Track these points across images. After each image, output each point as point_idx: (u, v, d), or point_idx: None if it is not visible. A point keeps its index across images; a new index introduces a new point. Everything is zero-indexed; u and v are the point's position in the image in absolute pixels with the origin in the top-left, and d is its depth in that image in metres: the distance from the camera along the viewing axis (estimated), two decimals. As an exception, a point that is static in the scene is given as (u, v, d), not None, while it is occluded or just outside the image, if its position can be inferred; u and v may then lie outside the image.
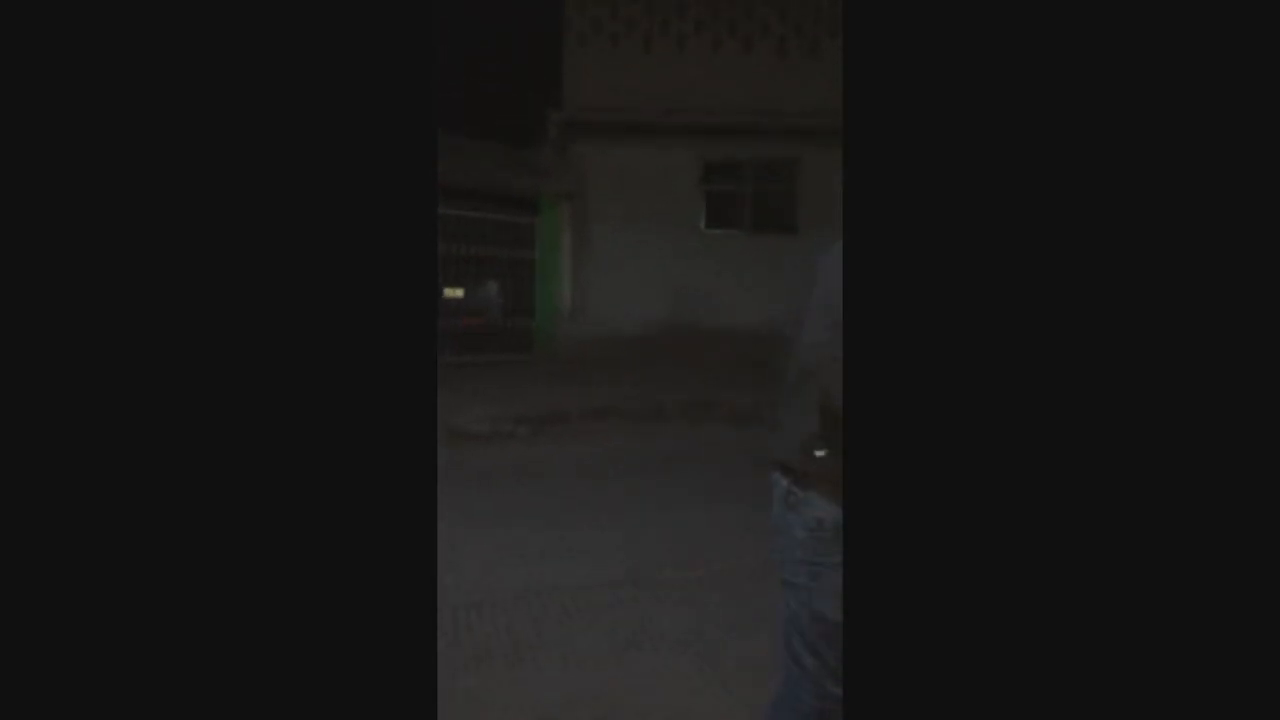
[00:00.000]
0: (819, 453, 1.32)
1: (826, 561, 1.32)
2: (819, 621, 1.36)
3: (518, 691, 2.36)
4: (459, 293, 10.11)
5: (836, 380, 1.22)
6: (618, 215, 10.25)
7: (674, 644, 2.69)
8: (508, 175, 10.07)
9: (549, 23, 10.55)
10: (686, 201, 10.48)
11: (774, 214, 10.53)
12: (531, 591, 3.10)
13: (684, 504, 4.37)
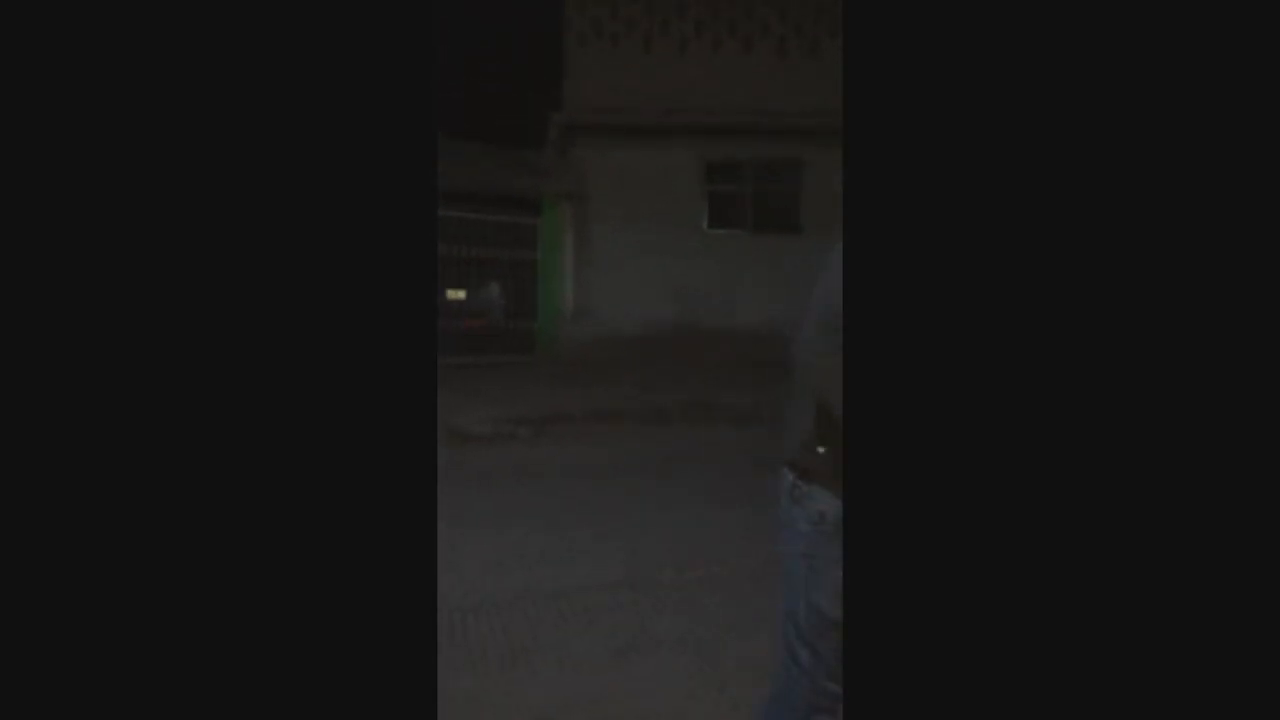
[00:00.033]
0: (821, 449, 1.33)
1: (826, 555, 1.33)
2: (816, 615, 1.37)
3: (515, 693, 2.35)
4: (461, 294, 10.13)
5: (827, 379, 1.26)
6: (619, 216, 10.26)
7: (672, 646, 2.67)
8: (509, 176, 10.08)
9: (549, 23, 10.56)
10: (688, 202, 10.48)
11: (776, 214, 10.53)
12: (530, 594, 3.09)
13: (684, 505, 4.36)
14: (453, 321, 9.75)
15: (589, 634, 2.76)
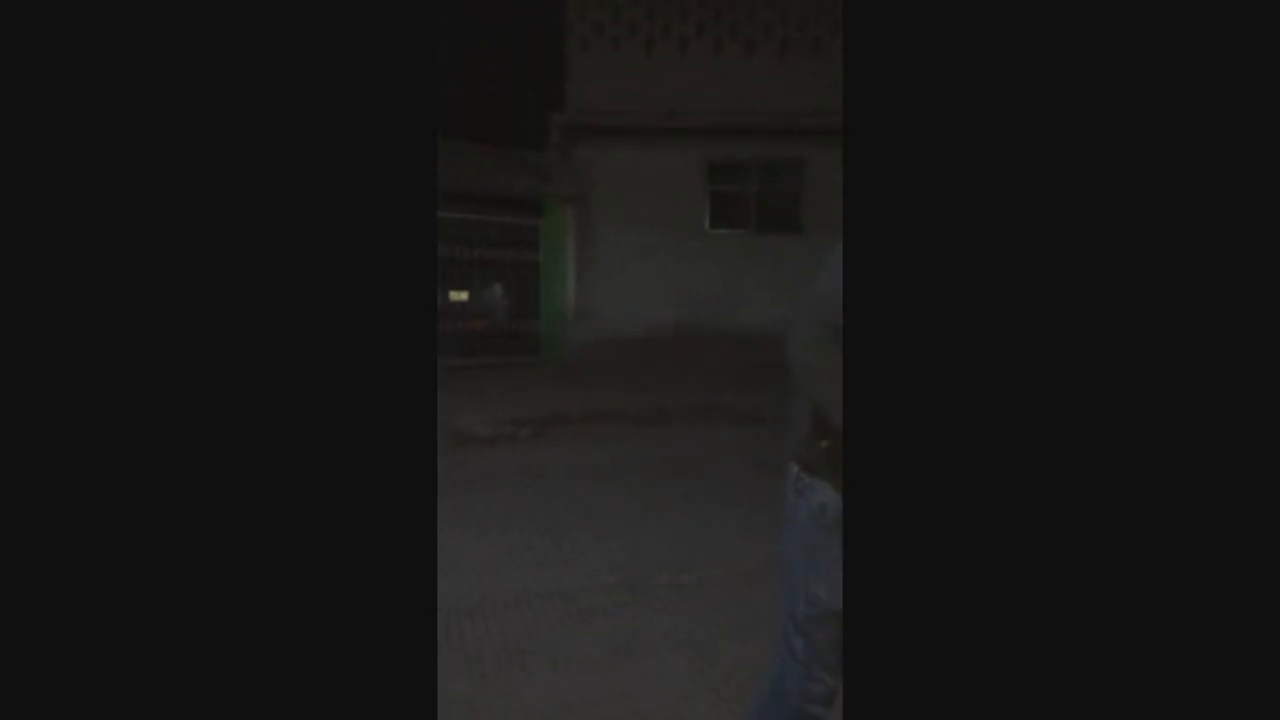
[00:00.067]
0: (823, 443, 1.38)
1: (823, 545, 1.37)
2: (811, 604, 1.41)
3: (511, 696, 2.36)
4: (464, 296, 10.13)
5: (822, 384, 1.30)
6: (621, 217, 10.25)
7: (669, 648, 2.67)
8: (511, 178, 10.09)
9: (550, 24, 10.57)
10: (690, 202, 10.47)
11: (779, 214, 10.51)
12: (528, 595, 3.09)
13: (684, 506, 4.35)
14: (456, 323, 9.76)
15: (587, 635, 2.76)
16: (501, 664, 2.55)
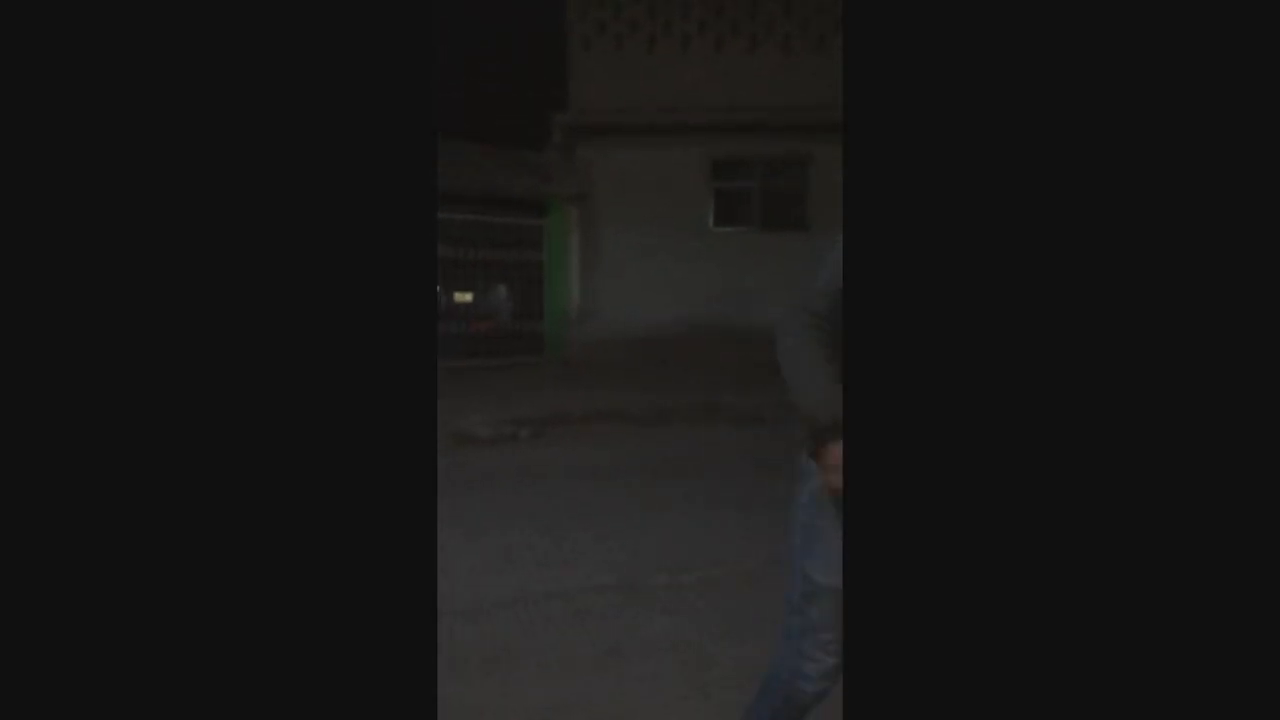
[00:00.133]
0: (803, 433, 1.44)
1: (818, 525, 1.45)
2: (806, 582, 1.48)
3: (511, 696, 2.33)
4: (468, 297, 10.16)
5: (790, 368, 1.39)
6: (625, 216, 10.24)
7: (668, 649, 2.65)
8: (514, 178, 10.10)
9: (551, 24, 10.57)
10: (694, 201, 10.45)
11: (784, 211, 10.49)
12: (525, 596, 3.07)
13: (683, 506, 4.33)
14: (460, 324, 9.78)
15: (585, 635, 2.74)
16: (500, 664, 2.54)
